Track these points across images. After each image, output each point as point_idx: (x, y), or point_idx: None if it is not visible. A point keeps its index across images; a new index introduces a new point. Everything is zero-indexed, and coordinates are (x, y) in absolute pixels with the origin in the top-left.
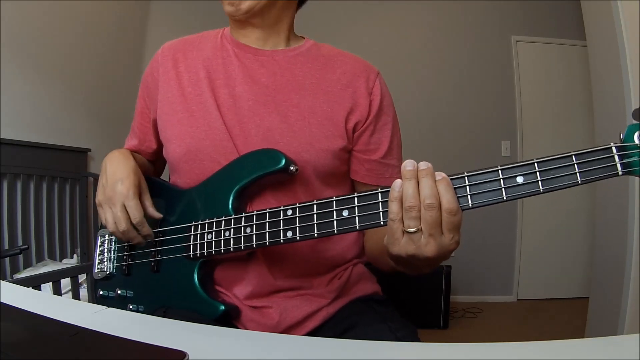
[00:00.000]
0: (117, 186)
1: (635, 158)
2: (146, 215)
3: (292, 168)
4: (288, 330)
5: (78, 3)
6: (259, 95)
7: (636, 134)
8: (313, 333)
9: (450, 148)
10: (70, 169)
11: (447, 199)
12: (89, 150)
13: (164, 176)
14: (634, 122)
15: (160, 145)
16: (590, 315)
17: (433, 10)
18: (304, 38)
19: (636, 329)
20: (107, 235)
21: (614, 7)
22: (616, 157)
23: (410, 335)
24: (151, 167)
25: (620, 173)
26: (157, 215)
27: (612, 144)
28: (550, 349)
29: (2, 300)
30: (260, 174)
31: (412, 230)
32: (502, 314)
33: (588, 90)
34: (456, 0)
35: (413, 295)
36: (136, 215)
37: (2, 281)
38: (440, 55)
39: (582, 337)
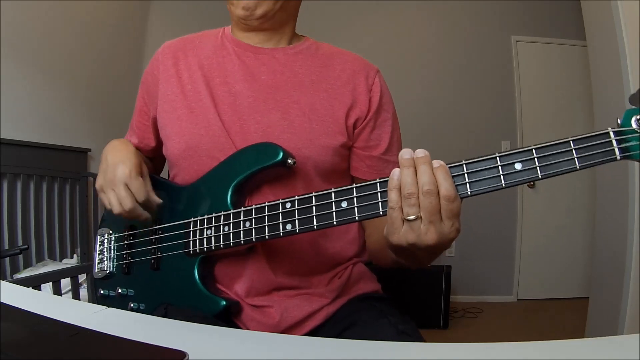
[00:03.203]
0: (118, 168)
1: (633, 142)
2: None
3: (289, 161)
4: (289, 329)
5: (78, 3)
6: (259, 92)
7: (634, 119)
8: (314, 332)
9: (450, 148)
10: (70, 169)
11: (445, 186)
12: (89, 150)
13: (163, 174)
14: (632, 107)
15: (159, 144)
16: (590, 315)
17: (433, 10)
18: (303, 37)
19: (636, 329)
20: (106, 235)
21: (614, 7)
22: (614, 142)
23: (411, 329)
24: (150, 165)
25: (618, 157)
26: (157, 200)
27: (609, 128)
28: (550, 349)
29: (2, 300)
30: (258, 168)
31: (411, 217)
32: (502, 314)
33: (588, 90)
34: (456, 0)
35: (413, 295)
36: (141, 193)
37: (2, 281)
38: (440, 55)
39: (582, 337)
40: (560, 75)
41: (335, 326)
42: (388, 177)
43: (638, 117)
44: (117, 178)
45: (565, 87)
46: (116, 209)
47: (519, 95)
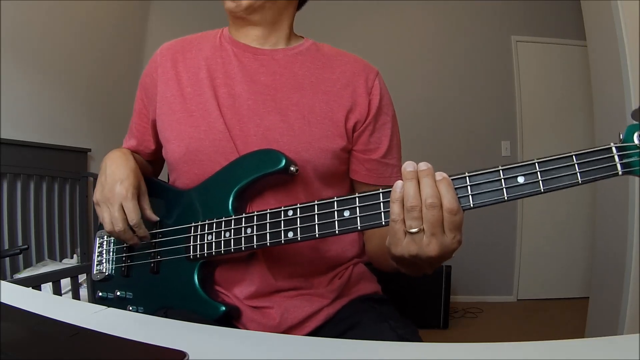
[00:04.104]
0: (115, 186)
1: (635, 158)
2: (143, 217)
3: (292, 168)
4: (289, 330)
5: (78, 3)
6: (258, 94)
7: (636, 134)
8: (314, 333)
9: (451, 148)
10: (70, 169)
11: (448, 199)
12: (89, 150)
13: (163, 177)
14: (634, 122)
15: (158, 146)
16: (590, 315)
17: (433, 11)
18: (303, 37)
19: (636, 329)
20: (105, 237)
21: (614, 7)
22: (616, 157)
23: (411, 333)
24: (149, 168)
25: (620, 173)
26: (154, 217)
27: (612, 144)
28: (550, 349)
29: (2, 300)
30: (260, 174)
31: (414, 230)
32: (502, 314)
33: (588, 90)
34: (456, 0)
35: (413, 295)
36: (133, 217)
37: (2, 281)
38: (440, 55)
39: (582, 337)
40: (561, 75)
41: (335, 327)
42: (389, 185)
43: None
44: (114, 197)
45: (566, 87)
46: (108, 228)
47: (519, 95)
